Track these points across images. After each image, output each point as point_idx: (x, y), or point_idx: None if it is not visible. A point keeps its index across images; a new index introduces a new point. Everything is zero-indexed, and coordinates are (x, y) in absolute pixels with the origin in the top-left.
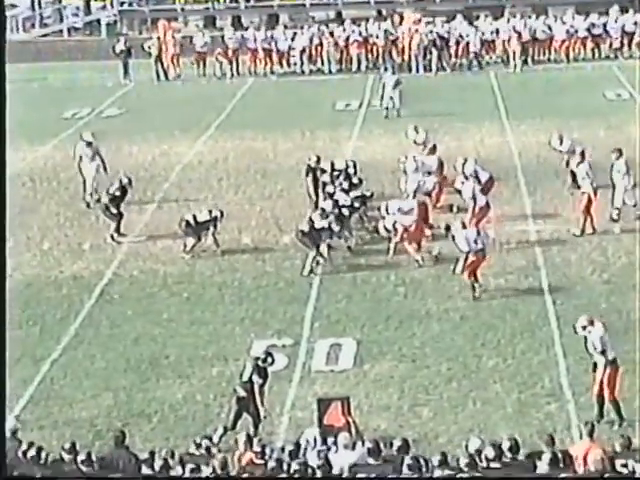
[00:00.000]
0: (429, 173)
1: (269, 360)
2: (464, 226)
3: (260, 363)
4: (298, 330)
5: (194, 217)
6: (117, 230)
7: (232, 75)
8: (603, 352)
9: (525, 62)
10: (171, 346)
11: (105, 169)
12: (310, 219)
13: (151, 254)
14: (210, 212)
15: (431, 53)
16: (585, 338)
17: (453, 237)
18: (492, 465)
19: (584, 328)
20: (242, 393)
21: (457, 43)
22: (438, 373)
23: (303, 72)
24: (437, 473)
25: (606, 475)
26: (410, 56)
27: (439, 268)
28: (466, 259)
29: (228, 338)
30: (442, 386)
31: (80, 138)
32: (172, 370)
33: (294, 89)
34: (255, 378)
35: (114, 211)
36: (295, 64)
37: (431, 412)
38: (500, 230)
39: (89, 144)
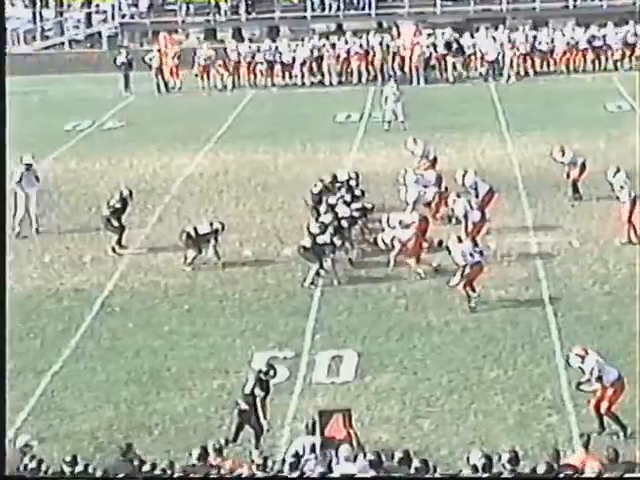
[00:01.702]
0: (428, 186)
1: (271, 373)
2: (460, 240)
3: (262, 376)
4: (299, 342)
5: (195, 229)
6: (119, 243)
7: (233, 87)
8: (600, 378)
9: (527, 74)
10: (172, 358)
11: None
12: (310, 233)
13: (152, 266)
14: (211, 224)
15: (437, 66)
16: (581, 368)
17: (449, 250)
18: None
19: (582, 359)
20: (244, 406)
21: (474, 53)
22: (439, 385)
23: (304, 84)
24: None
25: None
26: (411, 68)
27: (440, 280)
28: (463, 272)
29: (229, 350)
30: (443, 398)
31: (20, 161)
32: (173, 382)
33: (295, 101)
34: (257, 391)
35: (115, 224)
36: (296, 76)
37: (432, 424)
38: (501, 242)
39: (28, 167)
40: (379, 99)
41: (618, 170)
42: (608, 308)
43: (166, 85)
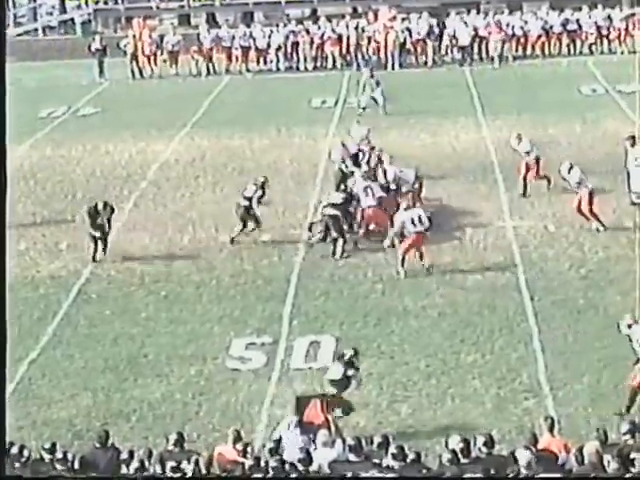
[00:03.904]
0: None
1: None
2: (407, 208)
3: None
4: (277, 328)
5: (245, 197)
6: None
7: (208, 73)
8: None
9: (501, 58)
10: (149, 345)
11: None
12: (332, 204)
13: (128, 253)
14: (255, 184)
15: (412, 51)
16: (629, 337)
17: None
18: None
19: (629, 327)
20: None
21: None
22: (417, 369)
23: (279, 69)
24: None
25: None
26: (386, 53)
27: (416, 265)
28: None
29: (207, 337)
30: (421, 383)
31: None
32: (150, 369)
33: (270, 87)
34: None
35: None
36: (271, 62)
37: (410, 409)
38: (477, 226)
39: None
40: (354, 84)
41: (572, 166)
42: (584, 292)
43: (141, 71)
